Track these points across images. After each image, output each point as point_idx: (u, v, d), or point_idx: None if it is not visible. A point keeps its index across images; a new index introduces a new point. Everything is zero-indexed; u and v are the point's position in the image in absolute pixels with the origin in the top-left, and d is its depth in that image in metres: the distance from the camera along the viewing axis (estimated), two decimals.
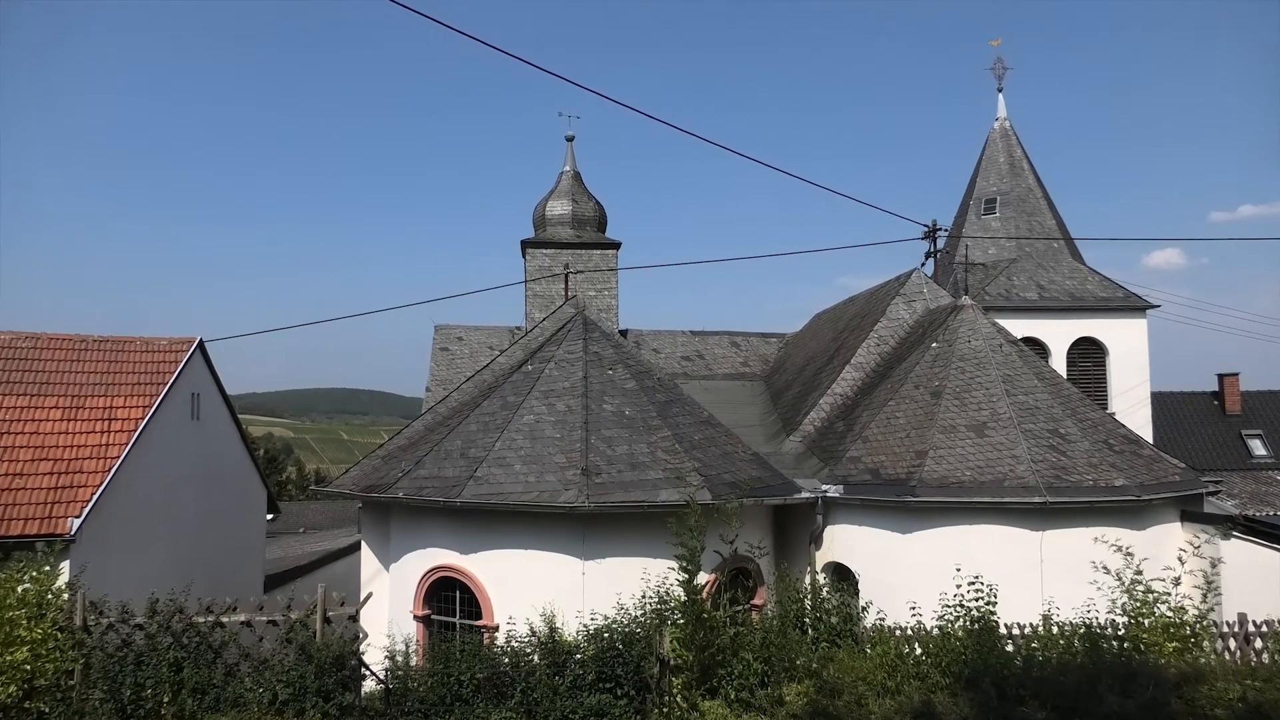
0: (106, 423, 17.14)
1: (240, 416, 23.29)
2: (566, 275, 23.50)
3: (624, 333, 26.97)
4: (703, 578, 12.54)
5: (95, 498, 15.58)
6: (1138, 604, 10.62)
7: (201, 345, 20.18)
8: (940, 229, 22.06)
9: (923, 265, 21.91)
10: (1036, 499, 13.92)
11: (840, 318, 24.34)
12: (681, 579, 11.43)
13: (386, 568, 16.26)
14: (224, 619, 11.29)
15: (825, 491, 15.62)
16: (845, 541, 15.55)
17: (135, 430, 17.03)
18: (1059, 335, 25.87)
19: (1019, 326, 24.43)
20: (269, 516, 25.56)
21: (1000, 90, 29.60)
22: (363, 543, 17.21)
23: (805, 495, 15.55)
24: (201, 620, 11.21)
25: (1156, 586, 10.82)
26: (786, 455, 17.71)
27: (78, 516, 15.14)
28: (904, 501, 14.57)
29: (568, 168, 28.35)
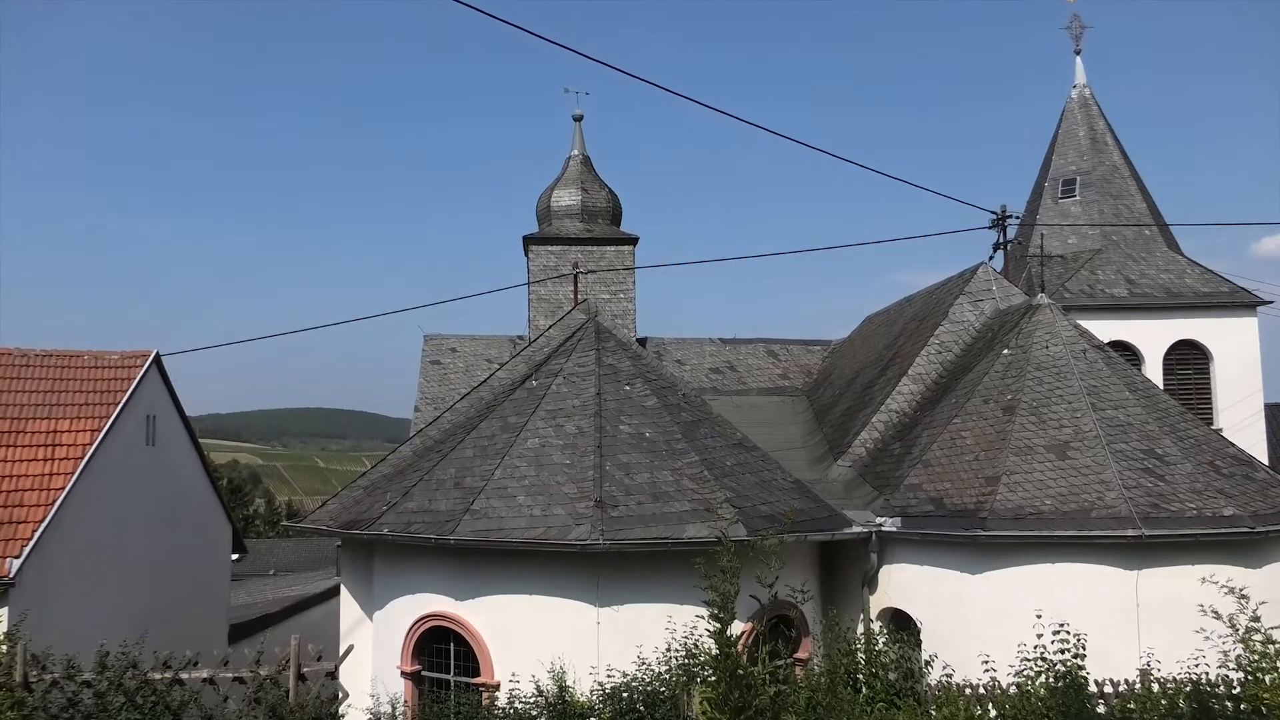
0: (50, 449, 17.29)
1: (202, 441, 23.45)
2: (576, 276, 23.50)
3: (643, 341, 26.94)
4: (737, 627, 12.44)
5: (37, 535, 15.69)
6: (1256, 657, 10.38)
7: (158, 360, 20.34)
8: (1010, 216, 21.92)
9: (990, 259, 21.77)
10: (1130, 532, 13.75)
11: (894, 321, 24.20)
12: (712, 629, 11.32)
13: (370, 616, 16.25)
14: (183, 675, 11.31)
15: (880, 525, 15.52)
16: (904, 584, 15.43)
17: (83, 457, 17.16)
18: (1153, 338, 25.58)
19: (1106, 329, 24.19)
20: (234, 556, 25.68)
21: (1078, 53, 29.40)
22: (342, 587, 17.21)
23: (857, 530, 15.45)
24: (158, 677, 11.23)
25: (1278, 636, 10.60)
26: (834, 483, 17.61)
27: (17, 556, 15.25)
28: (973, 536, 14.43)
29: (576, 151, 28.42)
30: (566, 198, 27.48)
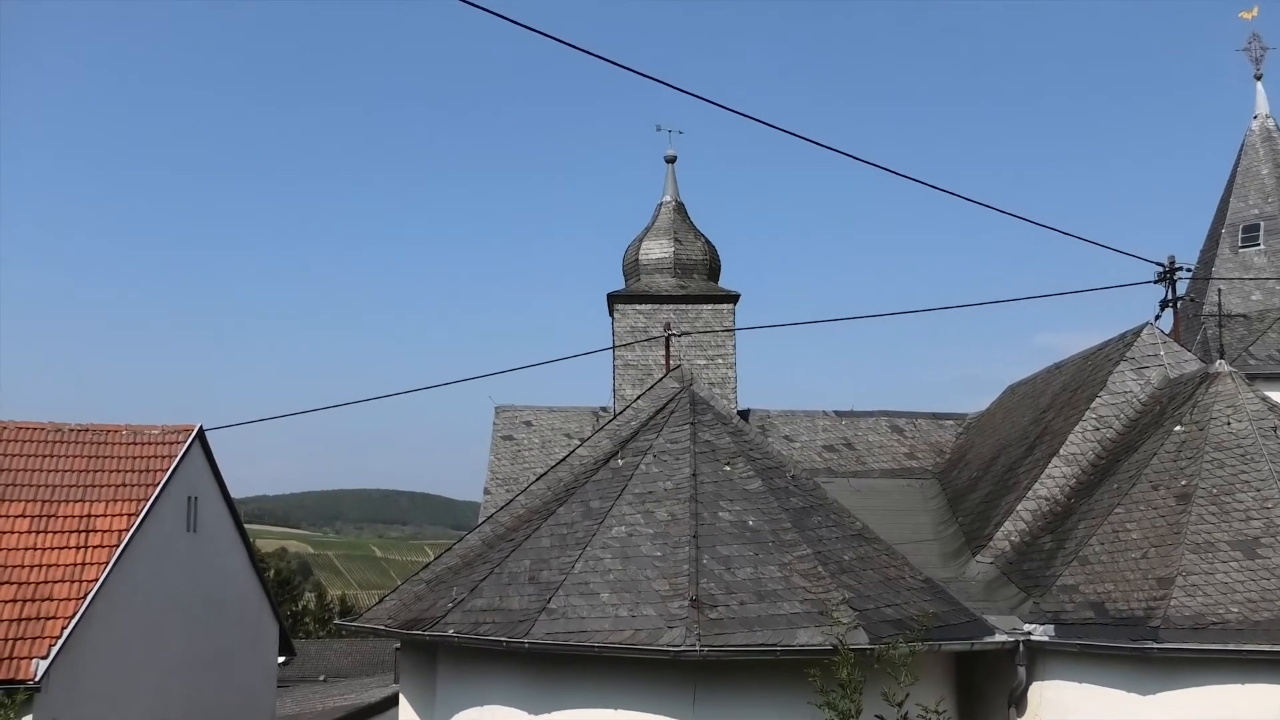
0: (83, 535, 17.97)
1: (247, 527, 24.09)
2: (668, 339, 23.66)
3: (745, 414, 26.89)
4: None
5: (67, 632, 16.23)
6: None
7: (201, 435, 21.05)
8: (1181, 268, 21.43)
9: (1157, 318, 21.27)
10: None
11: (1043, 392, 23.78)
12: None
13: None
14: None
15: (1029, 634, 15.17)
16: (1059, 703, 15.02)
17: (118, 545, 17.79)
18: None
19: None
20: (281, 659, 26.12)
21: (1259, 78, 28.91)
22: (400, 696, 17.35)
23: (1001, 639, 15.11)
24: None
25: None
26: (972, 582, 17.29)
27: (44, 657, 15.78)
28: (1143, 649, 14.00)
29: (668, 197, 28.82)
30: (657, 250, 27.82)
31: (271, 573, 62.72)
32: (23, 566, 17.27)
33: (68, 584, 17.16)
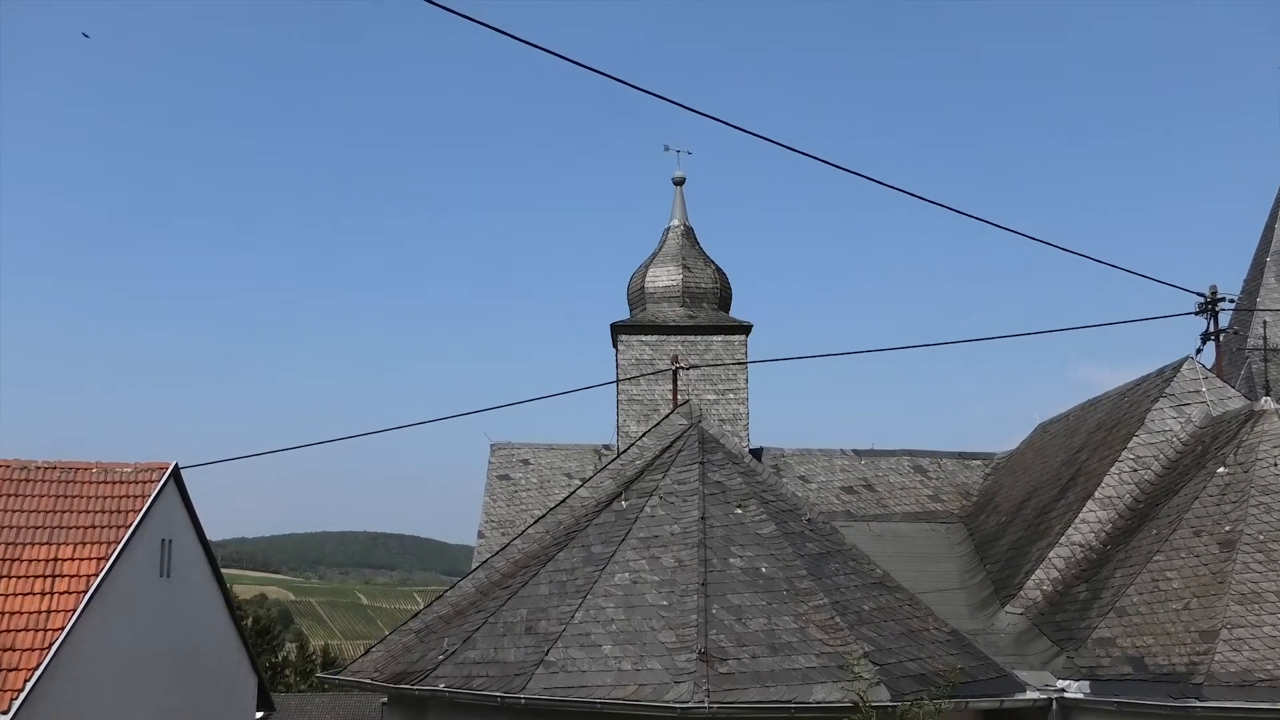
0: (49, 580, 17.93)
1: (224, 571, 24.05)
2: (675, 372, 23.68)
3: (757, 453, 26.85)
4: None
5: (30, 685, 16.17)
6: None
7: (176, 473, 21.06)
8: (1223, 299, 21.44)
9: (1198, 352, 21.26)
10: None
11: (1076, 430, 23.74)
12: None
13: None
14: None
15: (1062, 690, 15.11)
16: None
17: (87, 590, 17.74)
18: None
19: None
20: (259, 715, 26.00)
21: None
22: None
23: (1033, 695, 15.05)
24: None
25: None
26: (1001, 634, 17.23)
27: (5, 712, 15.72)
28: (1185, 708, 13.90)
29: (676, 221, 28.91)
30: (664, 277, 27.88)
31: (250, 621, 62.50)
32: None
33: (32, 633, 17.12)
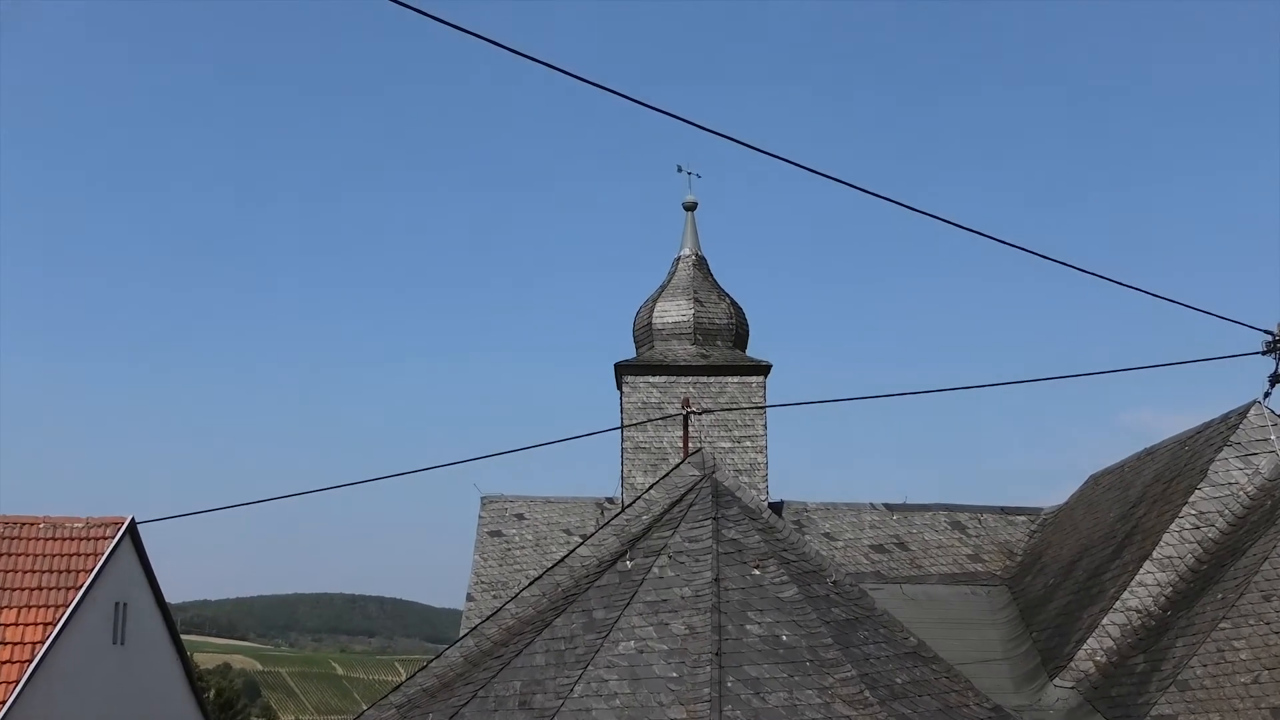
0: None
1: (185, 639, 23.97)
2: (686, 417, 23.65)
3: (778, 507, 26.81)
4: None
5: None
6: None
7: (133, 529, 21.03)
8: None
9: (1266, 395, 21.17)
10: None
11: (1130, 483, 23.70)
12: None
13: None
14: None
15: None
16: None
17: (32, 660, 17.70)
18: None
19: None
20: None
21: None
22: None
23: None
24: None
25: None
26: (1050, 711, 17.19)
27: None
28: None
29: (687, 251, 29.01)
30: (674, 312, 27.93)
31: (212, 694, 62.28)
32: None
33: None
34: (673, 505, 18.53)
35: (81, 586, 19.26)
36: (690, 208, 29.33)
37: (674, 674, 14.80)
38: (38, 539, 20.18)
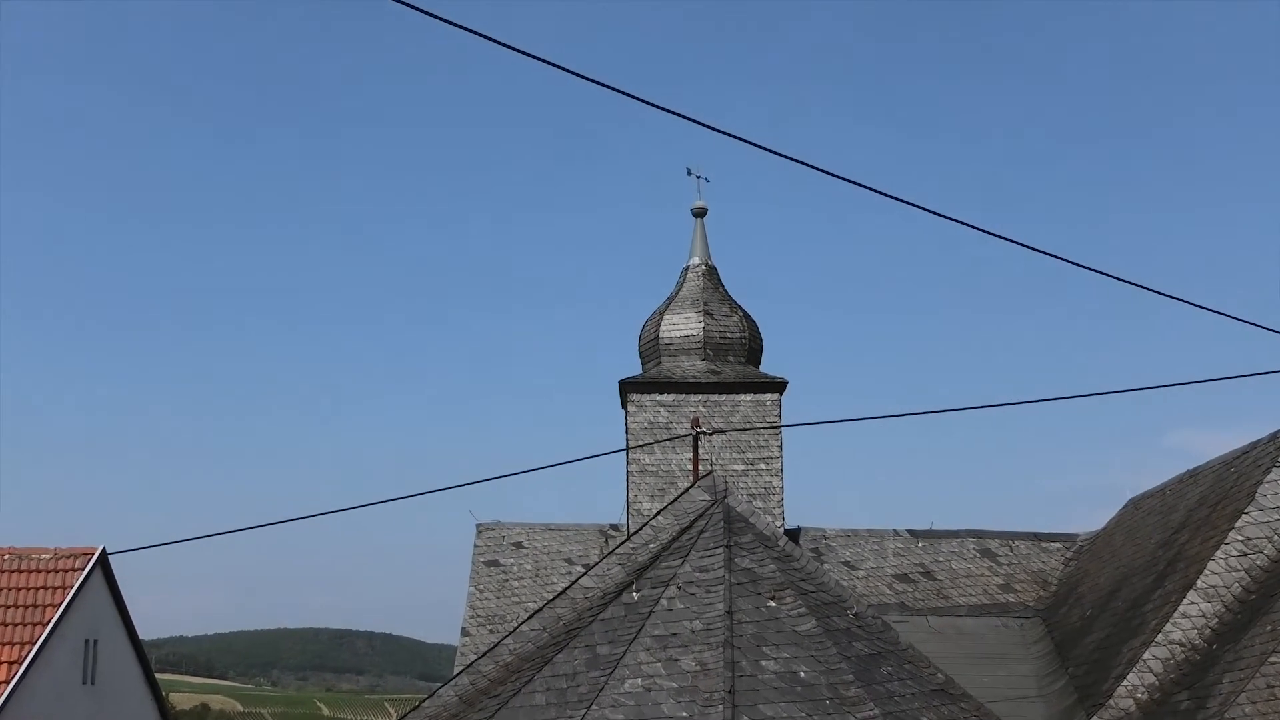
0: None
1: (160, 677, 23.94)
2: (696, 437, 23.62)
3: (795, 534, 26.78)
4: None
5: None
6: None
7: (104, 560, 21.01)
8: None
9: None
10: None
11: (1173, 507, 23.67)
12: None
13: None
14: None
15: None
16: None
17: None
18: None
19: None
20: None
21: None
22: None
23: None
24: None
25: None
26: None
27: None
28: None
29: (697, 260, 29.01)
30: (683, 325, 27.93)
31: None
32: None
33: None
34: (682, 532, 18.50)
35: (49, 622, 19.23)
36: (700, 214, 29.34)
37: (684, 714, 14.77)
38: (2, 571, 20.17)
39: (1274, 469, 20.30)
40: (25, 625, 19.22)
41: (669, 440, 26.26)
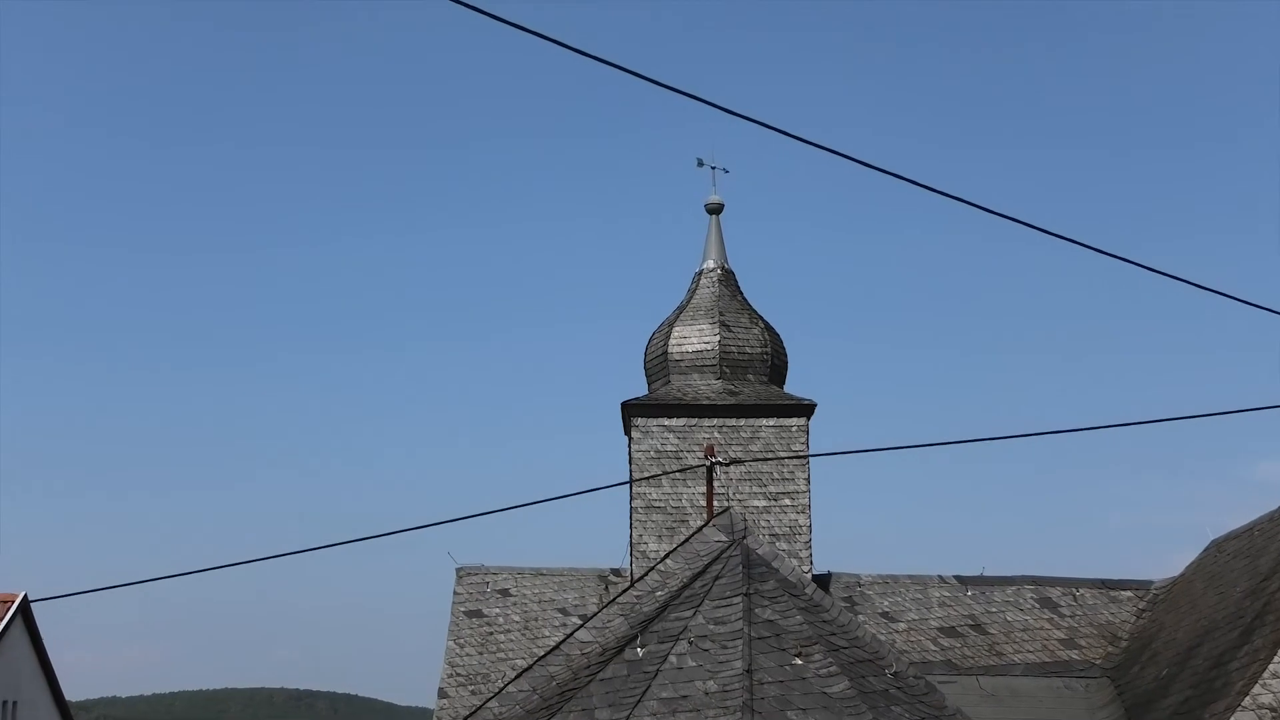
0: None
1: None
2: (710, 468, 23.61)
3: (824, 580, 26.73)
4: None
5: None
6: None
7: (25, 608, 20.97)
8: None
9: None
10: None
11: (1261, 550, 23.68)
12: None
13: None
14: None
15: None
16: None
17: None
18: None
19: None
20: None
21: None
22: None
23: None
24: None
25: None
26: None
27: None
28: None
29: (711, 263, 28.99)
30: (695, 338, 27.91)
31: None
32: None
33: None
34: (694, 578, 18.47)
35: None
36: (715, 210, 29.30)
37: None
38: None
39: None
40: None
41: (679, 471, 26.22)
